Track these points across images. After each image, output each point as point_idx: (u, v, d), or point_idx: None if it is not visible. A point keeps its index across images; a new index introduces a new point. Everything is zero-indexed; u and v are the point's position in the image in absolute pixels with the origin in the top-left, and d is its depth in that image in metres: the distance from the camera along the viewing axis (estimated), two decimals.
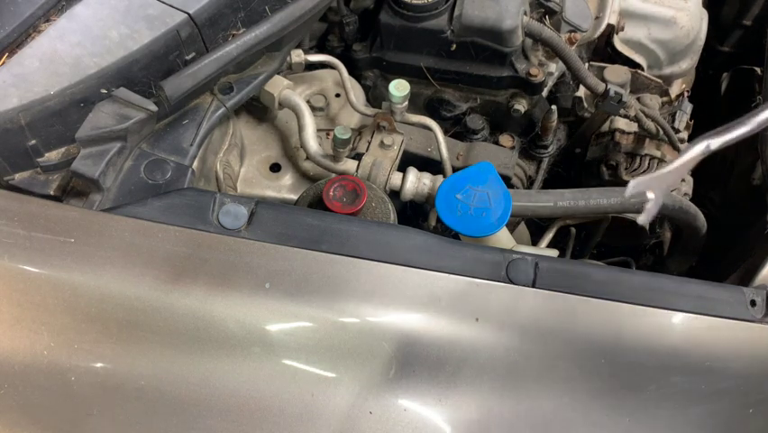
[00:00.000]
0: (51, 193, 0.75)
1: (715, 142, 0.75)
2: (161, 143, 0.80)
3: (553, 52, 1.06)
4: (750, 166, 1.13)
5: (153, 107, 0.76)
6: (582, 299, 0.70)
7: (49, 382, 0.66)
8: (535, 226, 1.10)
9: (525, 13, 1.05)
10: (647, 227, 1.10)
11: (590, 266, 0.75)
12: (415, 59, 1.11)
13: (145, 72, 0.78)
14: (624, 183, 1.06)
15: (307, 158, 1.00)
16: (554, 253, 0.93)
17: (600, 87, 1.05)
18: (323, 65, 1.09)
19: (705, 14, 1.26)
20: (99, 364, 0.66)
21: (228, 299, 0.67)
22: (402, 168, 0.98)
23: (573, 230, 1.08)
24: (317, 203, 0.86)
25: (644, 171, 1.06)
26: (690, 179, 1.10)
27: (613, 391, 0.70)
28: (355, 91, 1.08)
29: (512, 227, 1.05)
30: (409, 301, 0.69)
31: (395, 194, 0.97)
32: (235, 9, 0.83)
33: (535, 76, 1.07)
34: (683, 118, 1.13)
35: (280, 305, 0.68)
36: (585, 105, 1.14)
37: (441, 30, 1.06)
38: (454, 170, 0.98)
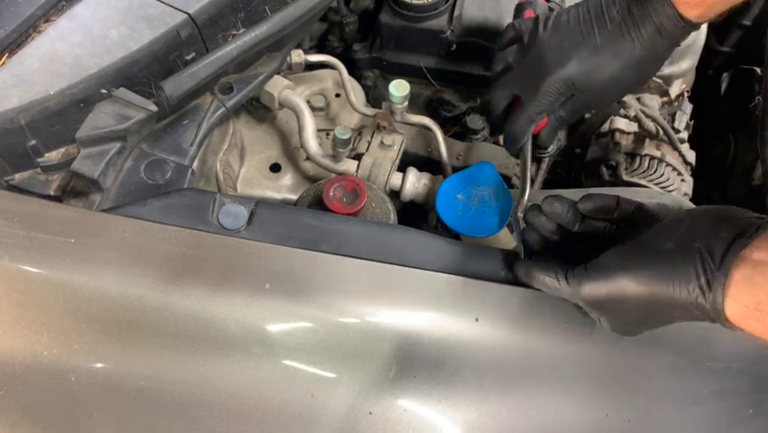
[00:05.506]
0: (51, 193, 0.75)
1: None
2: (161, 144, 0.80)
3: None
4: (750, 166, 1.13)
5: (153, 107, 0.76)
6: None
7: (49, 382, 0.66)
8: None
9: None
10: None
11: None
12: (415, 59, 1.11)
13: (145, 72, 0.78)
14: (624, 183, 1.06)
15: (307, 158, 0.99)
16: None
17: None
18: (323, 65, 1.09)
19: None
20: (99, 365, 0.66)
21: (228, 300, 0.67)
22: (402, 168, 0.98)
23: None
24: (317, 203, 0.86)
25: (643, 172, 1.06)
26: (689, 179, 1.10)
27: (613, 391, 0.70)
28: (355, 91, 1.07)
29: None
30: (409, 301, 0.69)
31: (395, 194, 0.97)
32: (235, 9, 0.83)
33: None
34: (683, 118, 1.13)
35: (280, 305, 0.68)
36: None
37: (441, 30, 1.06)
38: (454, 170, 0.98)
